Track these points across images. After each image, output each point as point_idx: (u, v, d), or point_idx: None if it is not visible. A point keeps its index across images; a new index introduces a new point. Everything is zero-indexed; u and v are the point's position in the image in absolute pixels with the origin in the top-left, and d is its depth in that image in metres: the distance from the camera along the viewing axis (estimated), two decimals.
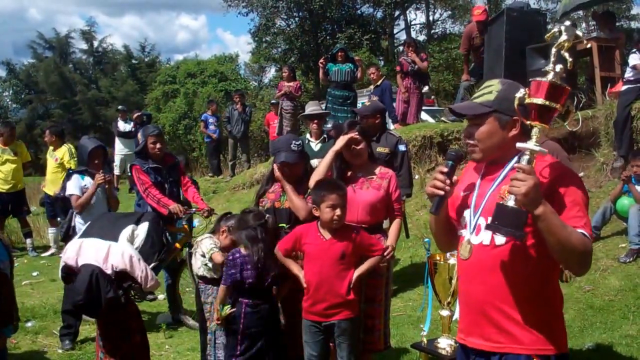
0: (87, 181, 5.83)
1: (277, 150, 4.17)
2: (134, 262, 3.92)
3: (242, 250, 3.74)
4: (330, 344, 3.79)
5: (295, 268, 3.79)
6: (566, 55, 2.13)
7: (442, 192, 2.30)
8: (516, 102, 2.19)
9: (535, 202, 2.02)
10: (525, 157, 2.12)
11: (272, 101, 13.83)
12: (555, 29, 2.18)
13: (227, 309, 3.70)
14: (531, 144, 2.11)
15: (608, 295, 5.57)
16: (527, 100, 2.13)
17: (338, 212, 3.62)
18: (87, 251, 3.96)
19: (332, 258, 3.64)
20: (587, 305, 5.46)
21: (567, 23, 2.18)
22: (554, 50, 2.15)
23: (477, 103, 2.33)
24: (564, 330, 2.30)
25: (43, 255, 9.78)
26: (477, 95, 2.38)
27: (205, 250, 4.18)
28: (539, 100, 2.09)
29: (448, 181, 2.30)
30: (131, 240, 4.06)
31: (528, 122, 2.15)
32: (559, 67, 2.11)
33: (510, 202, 2.09)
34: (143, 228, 4.15)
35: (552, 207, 2.05)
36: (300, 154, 4.14)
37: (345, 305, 3.66)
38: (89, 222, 4.43)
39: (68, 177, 5.97)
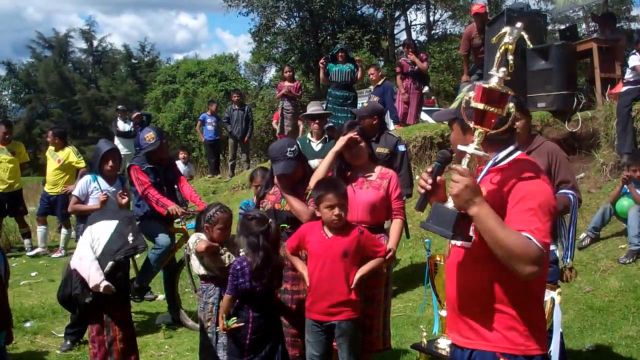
0: (101, 183, 5.84)
1: (273, 159, 4.15)
2: (83, 262, 4.03)
3: (248, 258, 3.67)
4: (334, 344, 3.79)
5: (300, 265, 3.81)
6: (510, 58, 2.14)
7: (422, 190, 2.36)
8: (462, 105, 2.24)
9: (468, 202, 2.10)
10: (465, 160, 2.18)
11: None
12: (503, 31, 2.20)
13: (233, 322, 3.65)
14: (471, 147, 2.17)
15: (608, 296, 5.58)
16: (472, 104, 2.16)
17: (336, 211, 3.61)
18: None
19: (334, 256, 3.64)
20: (587, 306, 5.47)
21: (518, 24, 2.19)
22: (498, 53, 2.16)
23: (447, 110, 2.44)
24: (539, 332, 2.30)
25: (28, 254, 9.66)
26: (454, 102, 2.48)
27: (191, 247, 4.14)
28: (479, 105, 2.12)
29: (430, 180, 2.35)
30: (90, 239, 4.15)
31: (471, 125, 2.19)
32: (502, 71, 2.12)
33: (450, 204, 2.18)
34: (110, 226, 4.20)
35: (493, 210, 2.10)
36: (297, 160, 4.11)
37: (347, 304, 3.65)
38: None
39: (81, 176, 6.01)
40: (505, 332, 2.24)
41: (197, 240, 4.09)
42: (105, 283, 4.09)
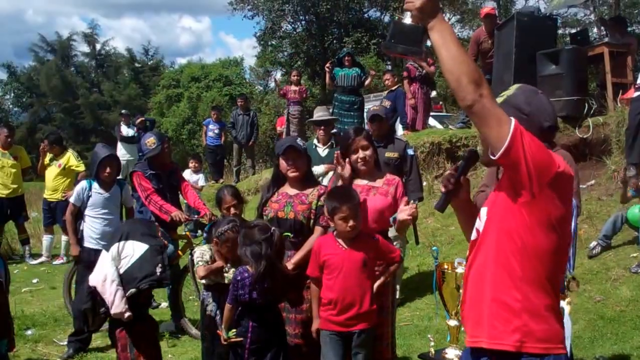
0: (95, 189, 5.76)
1: (281, 144, 4.20)
2: (105, 283, 3.86)
3: (250, 269, 3.63)
4: None
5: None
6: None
7: (443, 189, 2.34)
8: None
9: (430, 16, 2.06)
10: None
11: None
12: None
13: (233, 334, 3.64)
14: None
15: (619, 306, 5.50)
16: None
17: (351, 223, 3.58)
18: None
19: (354, 267, 3.62)
20: (598, 315, 5.39)
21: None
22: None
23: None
24: (535, 331, 2.15)
25: (32, 263, 9.65)
26: None
27: (196, 259, 4.17)
28: None
29: (453, 180, 2.32)
30: (118, 258, 3.98)
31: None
32: None
33: (407, 20, 2.12)
34: (138, 249, 4.03)
35: (448, 27, 2.08)
36: (306, 153, 4.15)
37: (368, 314, 3.66)
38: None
39: (78, 182, 5.95)
40: (501, 328, 2.15)
41: (199, 261, 4.11)
42: (129, 314, 3.96)
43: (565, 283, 3.56)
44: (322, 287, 3.69)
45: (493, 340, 2.15)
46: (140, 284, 3.98)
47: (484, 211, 2.26)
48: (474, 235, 2.30)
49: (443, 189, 2.33)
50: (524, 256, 2.12)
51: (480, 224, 2.26)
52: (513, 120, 2.03)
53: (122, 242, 4.03)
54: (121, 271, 3.98)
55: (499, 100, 2.32)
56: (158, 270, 4.04)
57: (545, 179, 2.06)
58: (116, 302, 3.87)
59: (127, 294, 3.93)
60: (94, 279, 3.91)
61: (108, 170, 5.72)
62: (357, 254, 3.63)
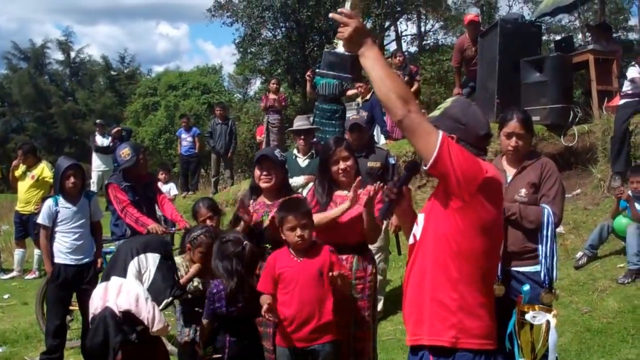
0: (61, 204, 5.54)
1: (258, 154, 4.27)
2: (140, 302, 3.62)
3: (224, 282, 3.61)
4: None
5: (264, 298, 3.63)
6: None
7: (387, 199, 2.49)
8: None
9: (358, 44, 2.25)
10: (348, 3, 2.45)
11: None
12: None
13: (210, 350, 3.59)
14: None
15: (606, 318, 5.46)
16: None
17: (299, 232, 3.57)
18: (109, 293, 3.70)
19: (309, 278, 3.57)
20: (585, 327, 5.35)
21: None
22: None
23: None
24: (470, 328, 2.32)
25: (4, 277, 9.45)
26: None
27: None
28: None
29: (395, 190, 2.47)
30: (138, 275, 3.77)
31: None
32: None
33: (339, 48, 2.32)
34: (152, 260, 3.84)
35: (378, 52, 2.26)
36: (282, 163, 4.18)
37: (328, 326, 3.60)
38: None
39: (44, 200, 5.78)
40: (438, 325, 2.32)
41: None
42: (170, 326, 3.82)
43: (541, 295, 3.57)
44: (278, 303, 3.59)
45: (432, 337, 2.31)
46: (173, 292, 3.82)
47: (421, 217, 2.45)
48: (411, 240, 2.49)
49: (386, 199, 2.48)
50: (460, 259, 2.29)
51: (417, 229, 2.44)
52: (440, 133, 2.20)
53: (136, 258, 3.84)
54: (145, 286, 3.78)
55: (437, 112, 2.55)
56: (176, 277, 3.94)
57: (473, 186, 2.24)
58: (157, 318, 3.65)
59: (161, 307, 3.74)
60: (123, 303, 3.62)
61: (72, 180, 5.50)
62: (312, 265, 3.59)
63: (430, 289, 2.33)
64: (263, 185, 4.09)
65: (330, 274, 3.54)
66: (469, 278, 2.30)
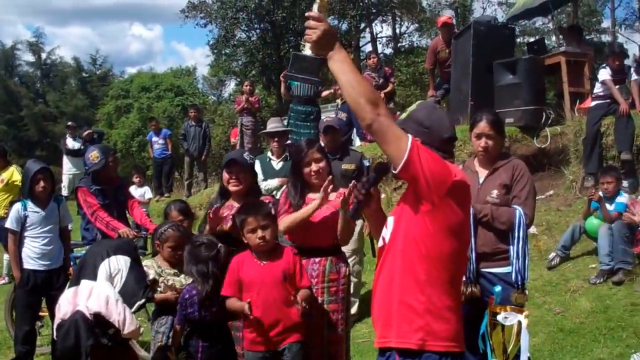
0: (30, 208, 5.41)
1: (227, 158, 4.27)
2: (110, 304, 3.54)
3: (198, 287, 3.59)
4: None
5: (236, 303, 3.57)
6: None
7: (355, 200, 2.50)
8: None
9: (327, 47, 2.26)
10: (315, 6, 2.37)
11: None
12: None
13: (183, 356, 3.56)
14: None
15: (579, 318, 5.49)
16: None
17: (259, 234, 3.54)
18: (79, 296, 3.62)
19: (273, 282, 3.56)
20: (558, 328, 5.38)
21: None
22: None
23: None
24: (437, 331, 2.34)
25: None
26: None
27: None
28: None
29: (364, 191, 2.47)
30: (109, 277, 3.68)
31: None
32: None
33: (307, 51, 2.32)
34: (123, 262, 3.76)
35: (346, 56, 2.26)
36: (251, 167, 4.19)
37: (295, 327, 3.60)
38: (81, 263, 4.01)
39: (12, 204, 5.68)
40: (404, 327, 2.34)
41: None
42: (142, 328, 3.74)
43: (512, 296, 3.57)
44: None
45: (399, 339, 2.34)
46: (146, 294, 3.73)
47: (390, 220, 2.46)
48: (380, 243, 2.51)
49: (355, 200, 2.49)
50: (428, 262, 2.31)
51: (387, 232, 2.45)
52: (410, 137, 2.21)
53: (107, 260, 3.75)
54: (117, 289, 3.69)
55: (403, 116, 2.57)
56: (147, 280, 3.85)
57: (443, 189, 2.26)
58: (128, 320, 3.58)
59: (133, 309, 3.66)
60: (94, 305, 3.55)
61: (42, 184, 5.38)
62: (276, 268, 3.57)
63: (398, 291, 2.35)
64: (232, 188, 4.06)
65: (298, 306, 3.52)
66: (436, 281, 2.32)
